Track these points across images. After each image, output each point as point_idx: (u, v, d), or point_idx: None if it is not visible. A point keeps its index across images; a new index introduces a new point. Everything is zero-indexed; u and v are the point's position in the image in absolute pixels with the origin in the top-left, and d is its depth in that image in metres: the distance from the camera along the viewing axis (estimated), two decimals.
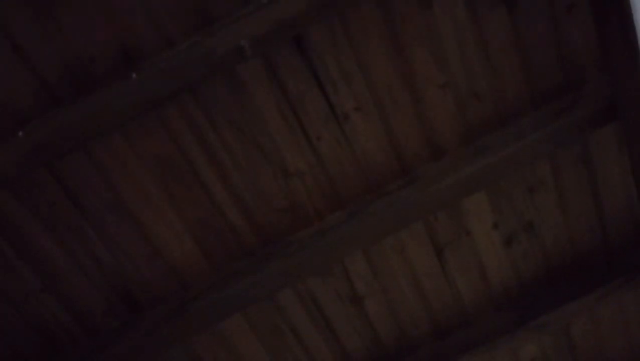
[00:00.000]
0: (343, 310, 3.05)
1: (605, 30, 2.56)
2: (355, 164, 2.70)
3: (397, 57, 2.50)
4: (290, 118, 2.55)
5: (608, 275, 3.20)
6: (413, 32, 2.47)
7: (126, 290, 2.78)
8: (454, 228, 2.95)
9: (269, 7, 2.26)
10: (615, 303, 3.35)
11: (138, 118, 2.39)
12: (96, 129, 2.34)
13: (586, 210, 3.04)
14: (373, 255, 2.94)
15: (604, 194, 3.01)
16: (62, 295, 2.73)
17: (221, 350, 3.04)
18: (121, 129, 2.43)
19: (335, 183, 2.73)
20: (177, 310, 2.78)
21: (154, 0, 2.23)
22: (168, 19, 2.27)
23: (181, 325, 2.79)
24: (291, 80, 2.47)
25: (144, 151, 2.49)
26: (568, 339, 3.43)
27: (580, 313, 3.26)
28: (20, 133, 2.29)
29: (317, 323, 3.06)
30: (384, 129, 2.65)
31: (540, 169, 2.89)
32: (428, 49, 2.51)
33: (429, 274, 3.06)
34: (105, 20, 2.23)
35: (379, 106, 2.59)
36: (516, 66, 2.62)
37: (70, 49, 2.25)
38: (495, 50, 2.57)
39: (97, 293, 2.75)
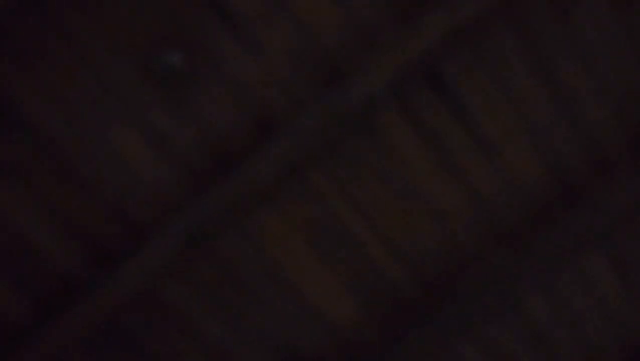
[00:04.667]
0: (528, 351, 2.85)
1: None
2: (513, 193, 2.53)
3: (539, 72, 2.34)
4: (435, 156, 2.44)
5: None
6: (554, 44, 2.30)
7: (294, 357, 2.75)
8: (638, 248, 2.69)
9: (395, 49, 2.18)
10: None
11: (282, 185, 2.38)
12: (243, 204, 2.35)
13: None
14: (553, 290, 2.73)
15: None
16: None
17: None
18: (267, 199, 2.43)
19: (495, 218, 2.57)
20: None
21: (280, 65, 2.22)
22: (295, 81, 2.25)
23: None
24: (430, 118, 2.37)
25: (293, 217, 2.48)
26: None
27: None
28: (172, 221, 2.33)
29: None
30: (538, 152, 2.47)
31: None
32: (574, 59, 2.32)
33: (615, 299, 2.81)
34: (235, 97, 2.25)
35: (528, 129, 2.42)
36: None
37: (208, 131, 2.29)
38: None
39: None
